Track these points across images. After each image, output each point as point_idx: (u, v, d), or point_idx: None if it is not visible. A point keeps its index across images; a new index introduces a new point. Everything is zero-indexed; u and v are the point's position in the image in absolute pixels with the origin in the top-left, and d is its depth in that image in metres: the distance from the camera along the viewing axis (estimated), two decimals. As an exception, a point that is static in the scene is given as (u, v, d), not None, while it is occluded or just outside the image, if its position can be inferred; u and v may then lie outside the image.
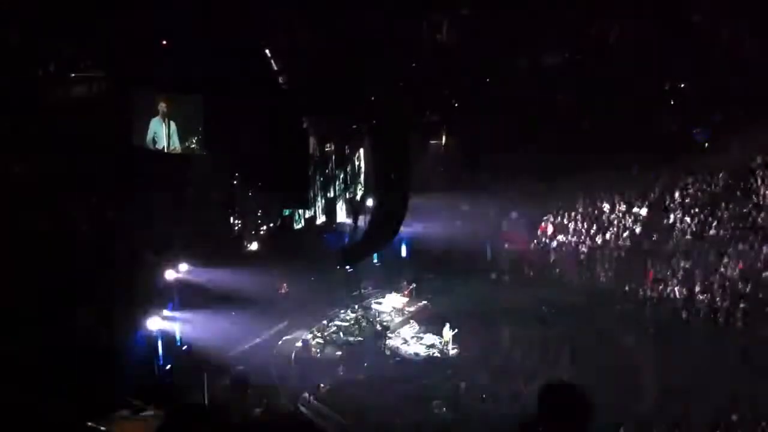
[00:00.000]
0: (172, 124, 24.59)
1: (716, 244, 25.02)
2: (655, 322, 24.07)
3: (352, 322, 26.43)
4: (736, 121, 26.57)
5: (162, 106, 24.35)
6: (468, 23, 26.48)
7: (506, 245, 29.74)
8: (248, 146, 25.08)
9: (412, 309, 27.70)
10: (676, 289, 24.57)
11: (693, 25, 25.78)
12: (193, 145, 24.73)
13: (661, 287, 24.95)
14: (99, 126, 22.74)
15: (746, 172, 26.80)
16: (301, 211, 28.69)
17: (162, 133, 24.59)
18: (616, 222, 28.38)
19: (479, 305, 26.95)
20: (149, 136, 24.79)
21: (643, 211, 28.10)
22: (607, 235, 28.05)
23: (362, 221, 29.05)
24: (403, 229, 28.29)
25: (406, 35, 25.68)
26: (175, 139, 24.74)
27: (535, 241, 29.56)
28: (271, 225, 28.60)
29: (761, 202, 25.43)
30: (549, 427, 3.95)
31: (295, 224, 28.73)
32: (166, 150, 24.85)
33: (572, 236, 28.75)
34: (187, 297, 23.96)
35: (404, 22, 25.30)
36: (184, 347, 23.63)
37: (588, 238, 28.32)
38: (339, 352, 24.62)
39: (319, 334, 25.73)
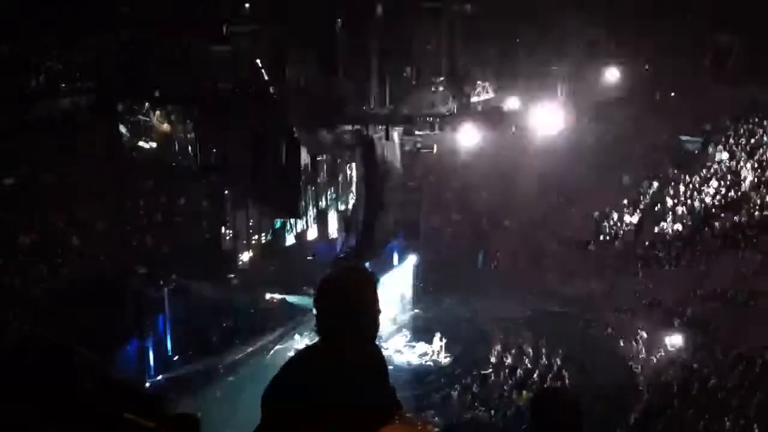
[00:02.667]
0: (166, 136, 24.55)
1: (706, 251, 25.12)
2: (647, 328, 24.10)
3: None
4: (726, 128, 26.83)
5: (156, 118, 24.33)
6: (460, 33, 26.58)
7: (498, 254, 29.74)
8: (240, 157, 25.08)
9: (404, 318, 27.65)
10: (667, 296, 24.64)
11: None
12: (185, 158, 24.74)
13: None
14: (89, 138, 22.72)
15: (737, 179, 26.98)
16: (292, 222, 28.62)
17: (158, 147, 24.53)
18: (607, 229, 28.45)
19: (470, 313, 26.95)
20: (143, 148, 24.77)
21: (634, 219, 28.20)
22: (599, 243, 28.11)
23: (354, 231, 29.03)
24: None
25: (398, 44, 25.76)
26: (167, 150, 24.73)
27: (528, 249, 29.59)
28: (263, 238, 28.52)
29: (751, 210, 25.58)
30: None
31: (286, 237, 28.65)
32: (159, 161, 24.85)
33: (564, 244, 28.78)
34: (179, 309, 23.89)
35: (395, 32, 25.39)
36: (175, 358, 23.52)
37: (579, 246, 28.36)
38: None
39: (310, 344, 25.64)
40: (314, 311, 3.13)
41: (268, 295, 27.18)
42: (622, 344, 23.77)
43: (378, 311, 3.12)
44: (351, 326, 3.03)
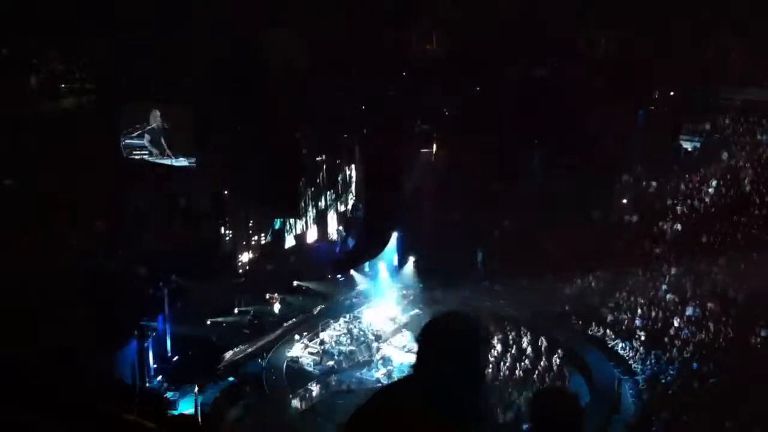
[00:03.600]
0: (168, 137, 24.58)
1: (708, 252, 25.09)
2: (646, 327, 24.11)
3: (344, 331, 26.36)
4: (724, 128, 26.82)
5: (156, 118, 24.32)
6: (458, 34, 26.63)
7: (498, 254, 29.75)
8: (240, 157, 25.12)
9: (404, 318, 27.65)
10: (667, 296, 24.63)
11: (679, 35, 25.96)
12: (186, 158, 24.79)
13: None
14: (89, 138, 22.72)
15: (737, 179, 26.93)
16: (292, 222, 28.67)
17: (157, 147, 24.56)
18: (606, 230, 28.45)
19: (471, 313, 26.92)
20: (144, 150, 24.80)
21: (634, 219, 28.20)
22: (599, 242, 28.10)
23: (353, 231, 29.08)
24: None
25: (397, 45, 25.80)
26: (169, 151, 24.78)
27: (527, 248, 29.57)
28: (263, 239, 28.56)
29: (752, 210, 25.56)
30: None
31: (286, 237, 28.68)
32: (160, 162, 24.87)
33: (564, 244, 28.76)
34: (179, 308, 23.93)
35: (395, 33, 25.43)
36: (175, 358, 23.54)
37: (580, 246, 28.35)
38: (331, 362, 24.54)
39: (310, 344, 25.65)
40: (415, 348, 3.23)
41: (267, 295, 27.29)
42: (621, 344, 23.78)
43: (477, 366, 3.10)
44: (445, 371, 3.05)
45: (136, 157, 25.20)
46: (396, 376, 23.97)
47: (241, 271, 27.57)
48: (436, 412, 2.94)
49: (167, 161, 25.10)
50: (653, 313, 24.34)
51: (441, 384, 3.03)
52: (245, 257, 27.86)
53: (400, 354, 25.24)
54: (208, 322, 25.18)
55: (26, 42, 22.14)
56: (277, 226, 28.71)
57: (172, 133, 24.53)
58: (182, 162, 24.94)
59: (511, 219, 29.96)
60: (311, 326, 26.52)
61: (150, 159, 25.22)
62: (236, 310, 26.24)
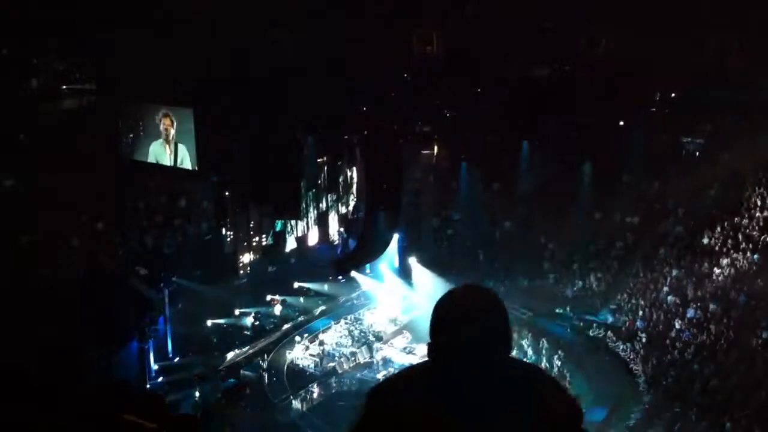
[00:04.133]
0: (168, 137, 24.55)
1: (709, 253, 25.04)
2: (647, 328, 24.08)
3: (345, 333, 26.33)
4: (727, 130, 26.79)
5: (157, 119, 24.27)
6: (458, 35, 26.61)
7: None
8: (241, 157, 25.08)
9: (405, 319, 27.57)
10: (668, 297, 24.58)
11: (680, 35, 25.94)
12: (186, 158, 24.79)
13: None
14: (89, 138, 22.74)
15: (737, 180, 26.88)
16: (293, 223, 28.63)
17: (165, 156, 24.51)
18: (608, 231, 28.39)
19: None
20: (150, 158, 24.76)
21: (635, 221, 28.15)
22: (599, 243, 28.07)
23: (355, 233, 29.03)
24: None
25: (398, 47, 25.79)
26: (170, 151, 24.77)
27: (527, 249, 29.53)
28: (264, 240, 28.52)
29: (752, 210, 25.52)
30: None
31: (287, 239, 28.61)
32: (161, 162, 24.84)
33: (563, 245, 28.72)
34: (180, 309, 23.91)
35: (395, 34, 25.42)
36: (176, 360, 23.52)
37: (580, 247, 28.30)
38: (332, 364, 24.51)
39: (311, 346, 25.62)
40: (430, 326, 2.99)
41: (268, 296, 27.26)
42: (623, 345, 23.74)
43: (499, 337, 2.86)
44: (462, 347, 2.85)
45: (137, 156, 25.18)
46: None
47: (242, 272, 27.52)
48: (443, 405, 2.77)
49: (168, 161, 25.09)
50: (654, 315, 24.30)
51: (451, 372, 2.84)
52: (246, 258, 27.82)
53: (401, 355, 25.21)
54: (209, 324, 25.14)
55: (26, 42, 22.15)
56: (278, 228, 28.67)
57: (172, 134, 24.52)
58: (183, 162, 24.92)
59: (512, 219, 29.94)
60: (312, 328, 26.50)
61: (150, 159, 25.20)
62: (237, 312, 26.20)
